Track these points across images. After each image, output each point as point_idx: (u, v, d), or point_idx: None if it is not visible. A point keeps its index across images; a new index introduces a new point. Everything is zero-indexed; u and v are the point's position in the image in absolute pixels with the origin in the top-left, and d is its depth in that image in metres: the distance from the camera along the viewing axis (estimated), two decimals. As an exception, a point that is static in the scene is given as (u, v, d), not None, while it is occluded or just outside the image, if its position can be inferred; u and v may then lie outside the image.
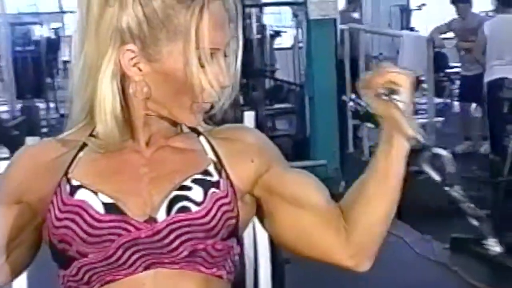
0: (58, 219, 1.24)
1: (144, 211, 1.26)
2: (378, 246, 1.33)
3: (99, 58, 1.23)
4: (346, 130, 6.90)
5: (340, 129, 6.76)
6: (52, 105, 11.14)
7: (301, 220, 1.33)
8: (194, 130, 1.36)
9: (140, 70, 1.24)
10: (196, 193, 1.27)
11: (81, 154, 1.30)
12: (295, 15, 7.90)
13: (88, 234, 1.23)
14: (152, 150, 1.31)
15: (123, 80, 1.25)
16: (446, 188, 1.22)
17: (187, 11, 1.21)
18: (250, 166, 1.34)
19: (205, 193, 1.27)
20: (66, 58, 16.65)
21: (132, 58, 1.23)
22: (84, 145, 1.30)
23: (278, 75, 9.30)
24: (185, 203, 1.26)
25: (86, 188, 1.25)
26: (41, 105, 10.31)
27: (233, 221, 1.29)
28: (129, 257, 1.24)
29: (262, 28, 8.58)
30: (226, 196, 1.29)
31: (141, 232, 1.24)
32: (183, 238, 1.25)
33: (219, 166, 1.32)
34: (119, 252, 1.24)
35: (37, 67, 10.54)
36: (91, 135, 1.30)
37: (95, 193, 1.25)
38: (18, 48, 10.54)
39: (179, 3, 1.22)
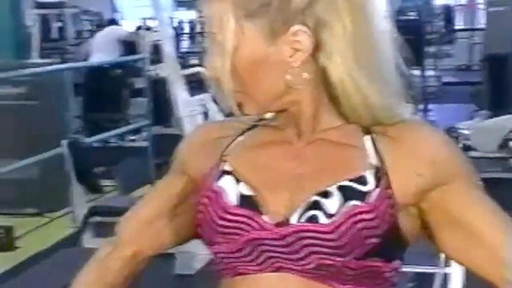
0: (200, 203, 1.17)
1: (282, 209, 1.12)
2: None
3: None
4: None
5: None
6: (431, 73, 11.38)
7: (469, 252, 1.13)
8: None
9: None
10: (332, 203, 1.09)
11: (241, 138, 1.21)
12: None
13: (216, 223, 1.14)
14: (305, 143, 1.16)
15: None
16: None
17: None
18: (417, 180, 1.13)
19: (342, 205, 1.09)
20: (459, 27, 16.81)
21: None
22: (248, 129, 1.22)
23: None
24: (317, 212, 1.09)
25: (232, 175, 1.16)
26: (416, 73, 10.41)
27: (374, 240, 1.08)
28: (258, 255, 1.12)
29: None
30: (371, 210, 1.09)
31: (267, 232, 1.11)
32: (309, 249, 1.09)
33: (381, 173, 1.12)
34: (247, 249, 1.12)
35: (416, 36, 10.60)
36: (260, 118, 1.22)
37: (238, 181, 1.15)
38: (401, 17, 10.78)
39: None
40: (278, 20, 1.09)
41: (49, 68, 6.71)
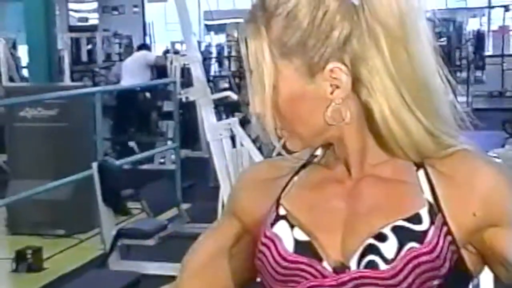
0: (258, 250, 1.15)
1: (338, 253, 1.11)
2: None
3: None
4: None
5: None
6: (462, 99, 11.48)
7: None
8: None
9: None
10: (389, 247, 1.06)
11: (295, 178, 1.19)
12: None
13: (275, 271, 1.13)
14: (355, 180, 1.14)
15: None
16: None
17: None
18: (471, 219, 1.08)
19: (399, 249, 1.06)
20: (489, 53, 16.75)
21: None
22: (301, 168, 1.19)
23: None
24: (374, 257, 1.07)
25: (286, 220, 1.14)
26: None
27: (436, 282, 1.06)
28: None
29: None
30: (431, 251, 1.06)
31: (326, 280, 1.09)
32: None
33: (435, 209, 1.08)
34: None
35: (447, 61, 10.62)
36: (312, 155, 1.19)
37: (292, 227, 1.13)
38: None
39: None
40: (315, 58, 1.06)
41: (80, 91, 6.82)
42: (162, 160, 8.87)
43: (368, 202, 1.11)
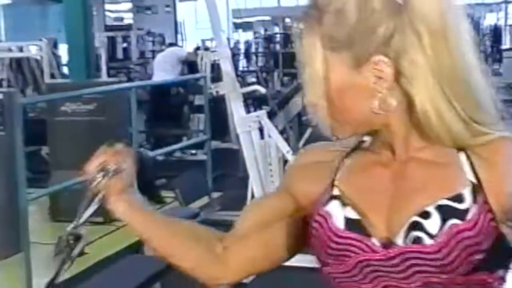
0: (312, 227, 1.20)
1: (385, 230, 1.15)
2: None
3: None
4: None
5: None
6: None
7: None
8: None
9: None
10: (433, 223, 1.10)
11: (347, 161, 1.24)
12: None
13: (328, 246, 1.17)
14: (400, 163, 1.18)
15: None
16: None
17: None
18: (508, 199, 1.11)
19: (442, 225, 1.09)
20: (506, 47, 16.60)
21: None
22: (352, 151, 1.24)
23: None
24: (419, 233, 1.10)
25: (340, 199, 1.19)
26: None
27: (479, 256, 1.09)
28: (366, 275, 1.15)
29: None
30: (472, 227, 1.09)
31: (375, 254, 1.14)
32: (415, 269, 1.11)
33: (478, 189, 1.11)
34: (357, 269, 1.15)
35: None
36: (360, 141, 1.24)
37: (345, 205, 1.18)
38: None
39: None
40: (361, 52, 1.12)
41: (116, 86, 6.89)
42: (193, 152, 8.92)
43: (412, 183, 1.15)
